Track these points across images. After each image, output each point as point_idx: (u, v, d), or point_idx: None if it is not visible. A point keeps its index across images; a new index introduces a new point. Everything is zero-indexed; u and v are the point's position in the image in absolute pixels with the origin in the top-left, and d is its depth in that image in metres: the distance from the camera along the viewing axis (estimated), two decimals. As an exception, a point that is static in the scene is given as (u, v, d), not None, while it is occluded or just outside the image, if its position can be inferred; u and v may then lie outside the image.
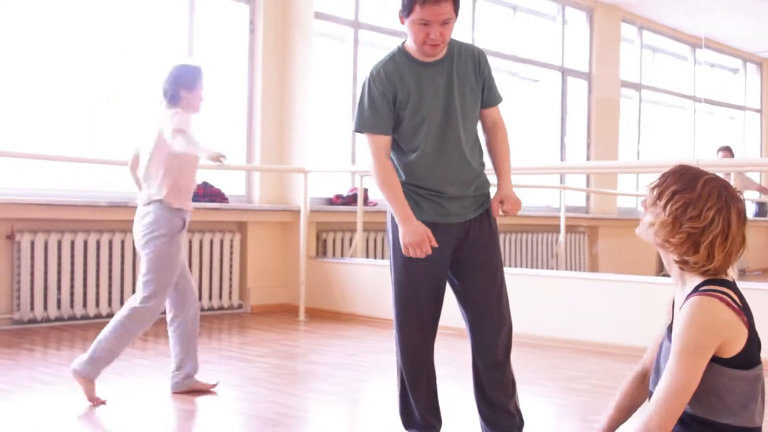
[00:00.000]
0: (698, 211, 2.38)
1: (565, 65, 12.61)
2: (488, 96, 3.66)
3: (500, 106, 3.71)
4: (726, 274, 2.46)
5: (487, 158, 3.73)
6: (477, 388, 3.73)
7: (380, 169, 3.52)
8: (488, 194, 3.72)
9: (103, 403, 4.60)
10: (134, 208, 4.88)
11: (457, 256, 3.65)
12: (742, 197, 2.44)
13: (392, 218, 3.59)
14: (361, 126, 3.55)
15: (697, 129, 15.11)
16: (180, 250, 4.82)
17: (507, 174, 3.69)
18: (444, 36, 3.42)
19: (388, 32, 10.06)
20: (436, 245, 3.43)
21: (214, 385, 5.01)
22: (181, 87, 4.78)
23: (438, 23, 3.37)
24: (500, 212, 3.61)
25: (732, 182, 5.81)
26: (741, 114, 16.75)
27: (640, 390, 2.64)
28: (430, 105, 3.52)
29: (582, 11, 12.69)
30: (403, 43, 3.58)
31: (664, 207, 2.43)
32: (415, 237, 3.41)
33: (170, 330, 4.93)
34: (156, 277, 4.70)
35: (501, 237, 4.74)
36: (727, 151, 10.71)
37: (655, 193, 2.48)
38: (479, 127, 3.72)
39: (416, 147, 3.54)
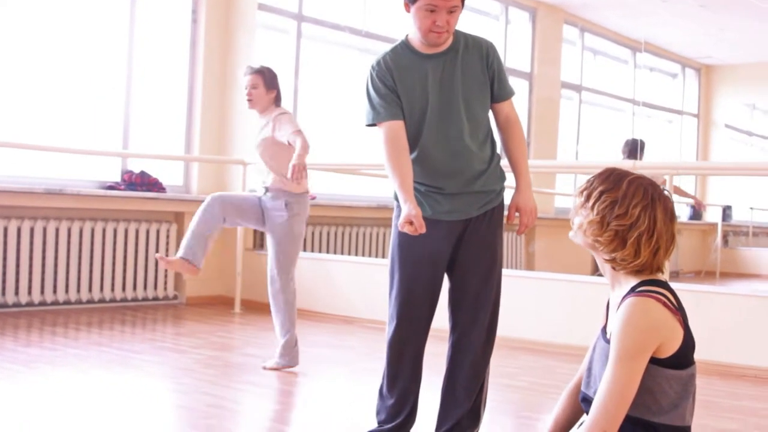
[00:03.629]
0: (624, 208, 2.41)
1: (507, 65, 12.67)
2: (498, 89, 3.57)
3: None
4: (662, 272, 2.48)
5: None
6: (447, 386, 3.65)
7: (389, 154, 3.38)
8: (498, 190, 3.63)
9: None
10: (71, 195, 4.82)
11: (454, 255, 3.56)
12: (669, 195, 2.47)
13: (396, 215, 3.49)
14: (374, 117, 3.44)
15: (635, 131, 15.29)
16: None
17: (523, 175, 3.65)
18: (450, 24, 3.38)
19: (332, 26, 10.05)
20: (421, 231, 3.27)
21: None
22: None
23: (445, 10, 3.33)
24: (515, 222, 3.56)
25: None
26: (679, 118, 17.00)
27: (578, 402, 2.61)
28: (431, 97, 3.44)
29: (525, 11, 12.78)
30: (407, 36, 3.50)
31: (592, 207, 2.46)
32: (404, 217, 3.26)
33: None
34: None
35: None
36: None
37: (583, 195, 2.51)
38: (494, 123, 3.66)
39: (416, 141, 3.46)
